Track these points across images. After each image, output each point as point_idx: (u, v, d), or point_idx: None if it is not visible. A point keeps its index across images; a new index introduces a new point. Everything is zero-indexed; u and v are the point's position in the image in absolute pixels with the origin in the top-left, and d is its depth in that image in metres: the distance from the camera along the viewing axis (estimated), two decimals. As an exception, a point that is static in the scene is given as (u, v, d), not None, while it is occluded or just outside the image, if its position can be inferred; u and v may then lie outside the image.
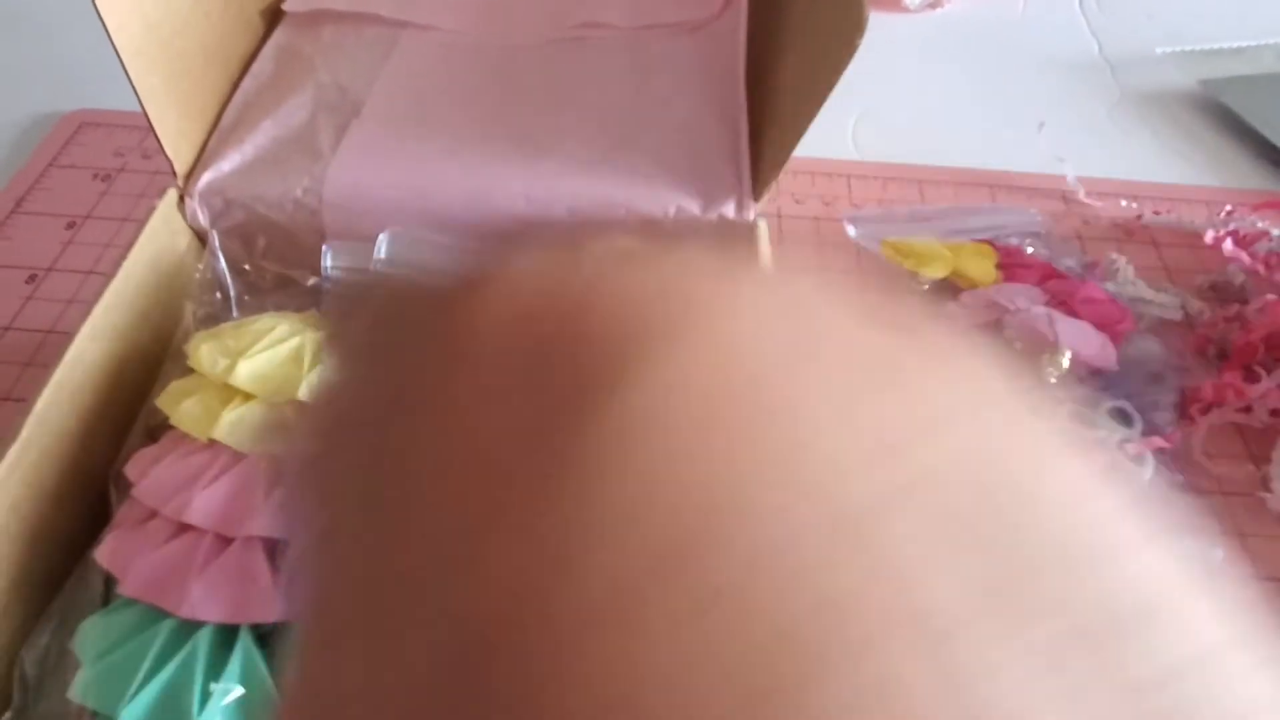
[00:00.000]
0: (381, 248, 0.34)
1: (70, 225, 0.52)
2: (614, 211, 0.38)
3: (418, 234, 0.35)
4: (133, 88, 0.34)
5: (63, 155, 0.56)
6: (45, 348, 0.45)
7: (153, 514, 0.28)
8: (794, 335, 0.08)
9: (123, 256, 0.34)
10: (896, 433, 0.08)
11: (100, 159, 0.56)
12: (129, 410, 0.34)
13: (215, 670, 0.26)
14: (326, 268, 0.37)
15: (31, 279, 0.49)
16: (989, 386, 0.09)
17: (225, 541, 0.27)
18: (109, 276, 0.33)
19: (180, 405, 0.30)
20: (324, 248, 0.36)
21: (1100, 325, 0.43)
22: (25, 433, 0.28)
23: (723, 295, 0.08)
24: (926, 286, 0.46)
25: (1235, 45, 0.65)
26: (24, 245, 0.50)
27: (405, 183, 0.38)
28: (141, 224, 0.36)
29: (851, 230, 0.50)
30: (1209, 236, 0.50)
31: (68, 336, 0.32)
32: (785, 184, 0.54)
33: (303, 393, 0.30)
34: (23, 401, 0.43)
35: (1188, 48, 0.65)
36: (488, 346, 0.08)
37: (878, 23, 0.31)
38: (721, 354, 0.08)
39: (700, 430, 0.07)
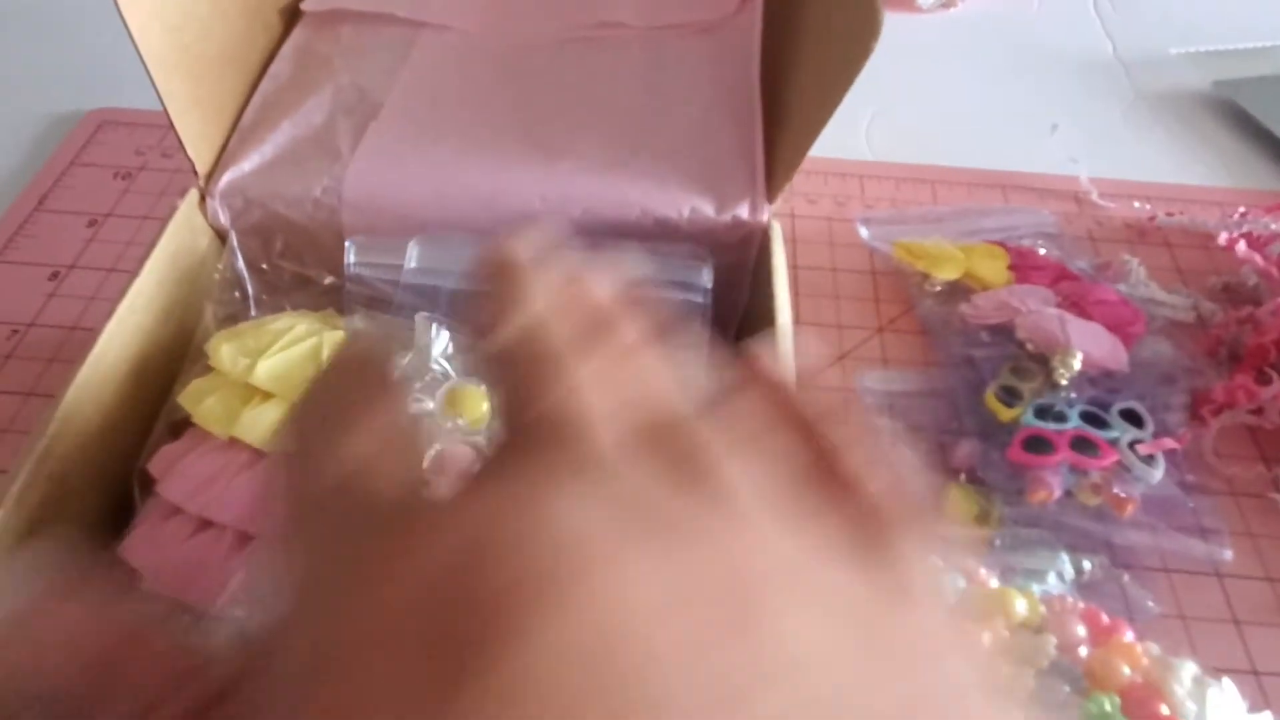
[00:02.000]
0: (412, 258, 0.35)
1: (91, 223, 0.52)
2: (628, 212, 0.38)
3: (446, 239, 0.36)
4: (155, 89, 0.34)
5: (84, 154, 0.57)
6: (68, 344, 0.46)
7: (176, 510, 0.29)
8: (671, 578, 0.09)
9: (145, 256, 0.35)
10: (739, 682, 0.08)
11: (121, 157, 0.57)
12: (152, 407, 0.34)
13: (237, 663, 0.26)
14: (349, 264, 0.37)
15: (54, 276, 0.49)
16: (858, 618, 0.10)
17: (247, 538, 0.28)
18: (132, 275, 0.34)
19: (202, 403, 0.31)
20: (346, 244, 0.37)
21: (1112, 327, 0.43)
22: (51, 429, 0.29)
23: (612, 539, 0.09)
24: (939, 288, 0.46)
25: (1250, 46, 0.65)
26: (46, 243, 0.51)
27: (423, 183, 0.38)
28: (163, 223, 0.36)
29: (864, 232, 0.50)
30: (1222, 238, 0.50)
31: (90, 334, 0.32)
32: (798, 184, 0.54)
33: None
34: (46, 397, 0.44)
35: (1202, 48, 0.65)
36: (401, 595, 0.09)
37: (891, 22, 0.31)
38: (599, 611, 0.08)
39: (572, 694, 0.08)
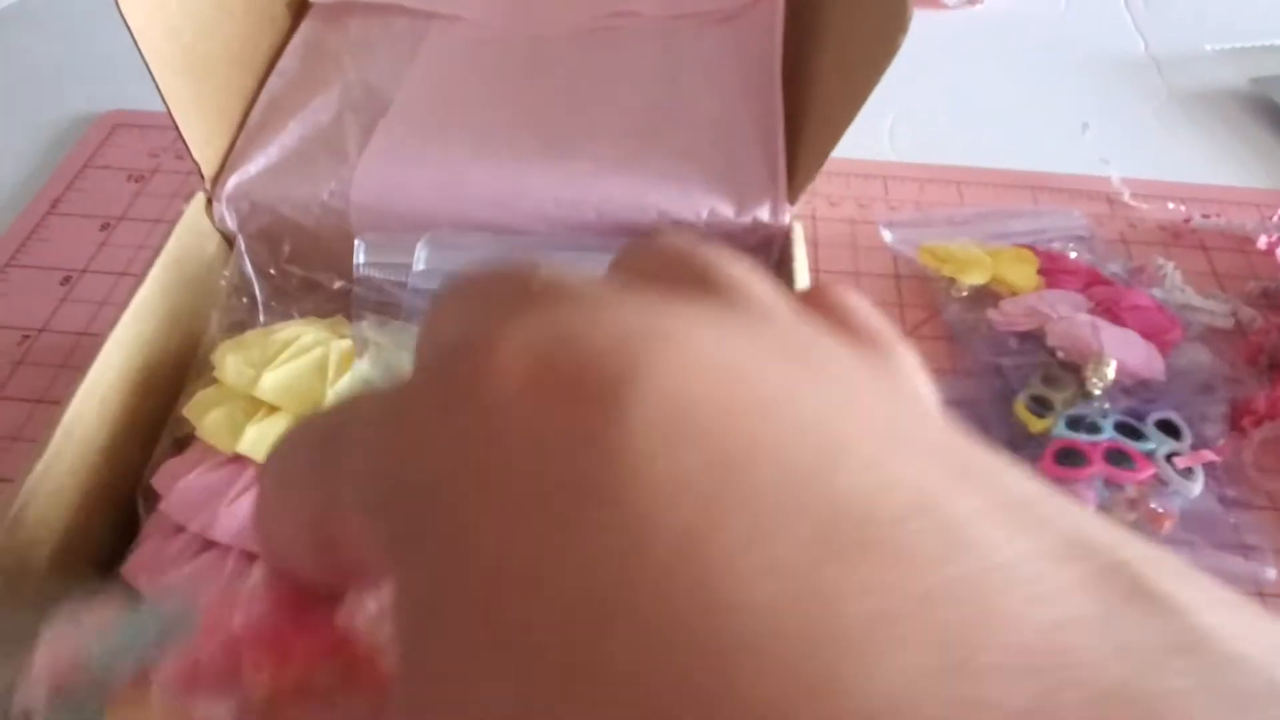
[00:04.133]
0: (420, 259, 0.34)
1: (104, 226, 0.52)
2: (645, 215, 0.37)
3: (453, 239, 0.35)
4: (159, 92, 0.34)
5: (97, 156, 0.56)
6: (79, 349, 0.45)
7: (179, 529, 0.28)
8: (745, 344, 0.10)
9: (150, 262, 0.34)
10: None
11: (134, 160, 0.56)
12: (157, 418, 0.34)
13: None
14: (359, 264, 0.37)
15: (66, 280, 0.49)
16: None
17: (251, 558, 0.27)
18: (137, 281, 0.33)
19: (206, 416, 0.30)
20: (356, 242, 0.36)
21: (1147, 334, 0.42)
22: (53, 444, 0.28)
23: (681, 324, 0.10)
24: (965, 293, 0.45)
25: (1288, 40, 0.63)
26: (59, 246, 0.51)
27: (433, 185, 0.38)
28: (170, 228, 0.35)
29: (888, 235, 0.49)
30: (1261, 242, 0.48)
31: (99, 340, 0.32)
32: (820, 185, 0.52)
33: (327, 404, 0.30)
34: (56, 404, 0.43)
35: (1238, 45, 0.63)
36: (510, 399, 0.10)
37: (916, 19, 0.30)
38: (697, 364, 0.10)
39: (704, 418, 0.09)
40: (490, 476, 0.09)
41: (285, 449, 0.13)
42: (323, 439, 0.12)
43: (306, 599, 0.13)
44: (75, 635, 0.15)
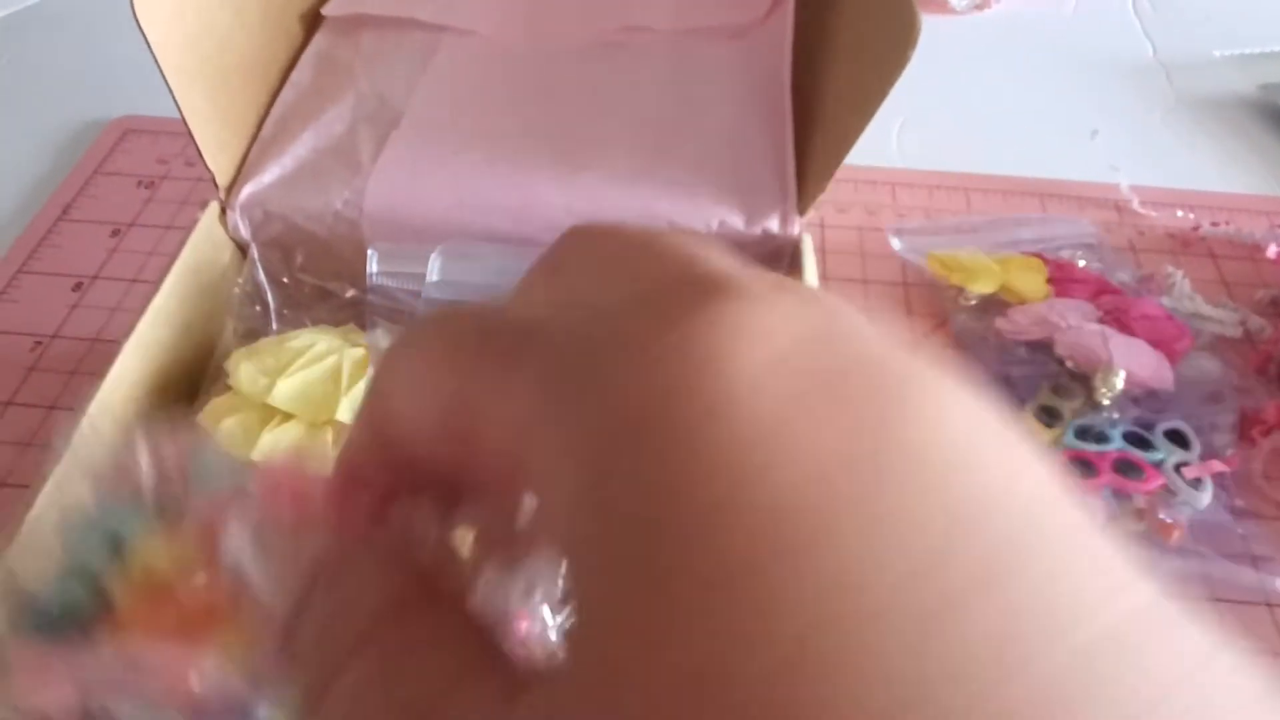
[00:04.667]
0: (434, 270, 0.34)
1: (115, 233, 0.52)
2: (655, 225, 0.37)
3: (467, 249, 0.35)
4: (175, 101, 0.34)
5: (108, 162, 0.57)
6: (91, 356, 0.46)
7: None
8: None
9: (165, 270, 0.34)
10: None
11: (144, 166, 0.56)
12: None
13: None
14: (372, 273, 0.37)
15: (77, 287, 0.49)
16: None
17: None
18: (153, 289, 0.33)
19: (221, 424, 0.30)
20: (369, 251, 0.36)
21: (1156, 343, 0.42)
22: (70, 449, 0.29)
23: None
24: (973, 302, 0.45)
25: (1297, 47, 0.63)
26: (70, 253, 0.51)
27: (445, 195, 0.38)
28: (184, 236, 0.36)
29: (896, 243, 0.49)
30: (1271, 250, 0.48)
31: (112, 345, 0.32)
32: (828, 192, 0.52)
33: (341, 412, 0.30)
34: (69, 410, 0.43)
35: (1247, 51, 0.63)
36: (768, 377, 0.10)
37: (923, 25, 0.30)
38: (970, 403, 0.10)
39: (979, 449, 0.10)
40: (732, 429, 0.10)
41: (442, 331, 0.13)
42: (494, 334, 0.12)
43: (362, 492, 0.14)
44: (178, 446, 0.16)
